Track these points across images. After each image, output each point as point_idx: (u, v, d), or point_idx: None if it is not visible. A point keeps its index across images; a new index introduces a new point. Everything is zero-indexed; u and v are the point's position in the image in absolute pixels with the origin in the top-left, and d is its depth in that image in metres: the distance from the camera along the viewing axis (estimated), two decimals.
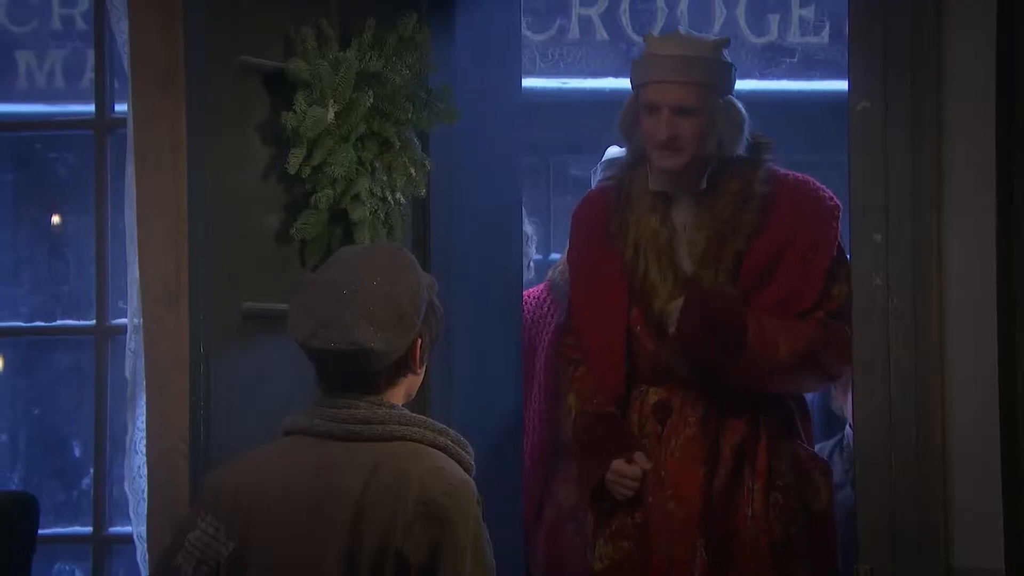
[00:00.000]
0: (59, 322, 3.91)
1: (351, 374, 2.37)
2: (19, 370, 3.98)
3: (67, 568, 3.91)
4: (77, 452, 3.94)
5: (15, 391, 3.98)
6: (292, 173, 3.01)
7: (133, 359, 3.51)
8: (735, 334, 3.26)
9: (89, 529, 3.73)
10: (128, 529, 3.56)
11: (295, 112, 2.96)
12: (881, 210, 3.10)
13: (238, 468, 2.45)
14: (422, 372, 2.47)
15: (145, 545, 3.45)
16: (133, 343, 3.50)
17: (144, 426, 3.46)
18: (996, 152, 2.98)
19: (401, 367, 2.40)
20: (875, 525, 3.09)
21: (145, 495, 3.46)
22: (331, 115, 2.97)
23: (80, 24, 3.98)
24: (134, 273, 3.48)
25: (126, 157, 3.52)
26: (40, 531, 3.42)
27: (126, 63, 3.50)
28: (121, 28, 3.52)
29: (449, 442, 2.38)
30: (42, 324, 3.91)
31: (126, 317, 3.55)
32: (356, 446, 2.33)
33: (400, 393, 2.43)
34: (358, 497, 2.28)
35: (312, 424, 2.38)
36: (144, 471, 3.46)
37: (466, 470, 2.39)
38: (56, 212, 3.99)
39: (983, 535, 3.00)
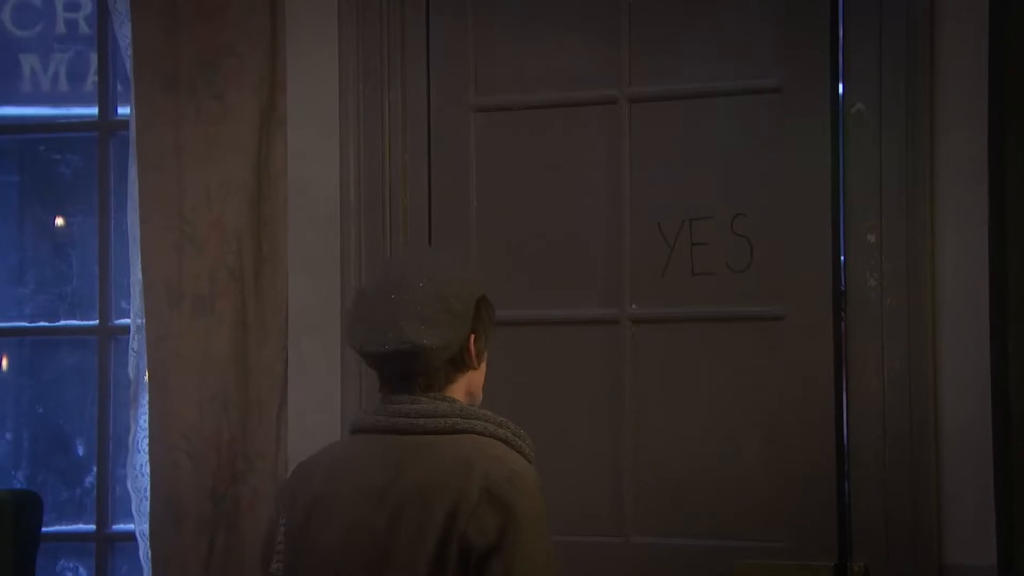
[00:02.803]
0: (63, 322, 3.93)
1: (410, 374, 2.42)
2: (23, 369, 4.00)
3: (70, 565, 3.93)
4: (80, 451, 3.96)
5: (19, 390, 4.00)
6: None
7: (136, 359, 3.54)
8: None
9: (92, 527, 3.75)
10: (131, 527, 3.59)
11: None
12: (875, 211, 3.13)
13: (308, 465, 2.51)
14: (482, 368, 2.51)
15: (147, 543, 3.48)
16: (136, 343, 3.53)
17: (146, 425, 3.49)
18: (988, 154, 3.01)
19: (458, 363, 2.44)
20: (869, 522, 3.12)
21: (147, 493, 3.49)
22: None
23: (84, 28, 4.00)
24: (137, 274, 3.51)
25: (129, 159, 3.55)
26: (44, 529, 3.44)
27: (129, 66, 3.54)
28: (124, 32, 3.55)
29: (509, 434, 2.43)
30: (46, 324, 3.93)
31: (129, 317, 3.58)
32: (419, 439, 2.39)
33: (461, 390, 2.47)
34: (423, 487, 2.33)
35: (377, 421, 2.43)
36: (147, 469, 3.50)
37: (524, 458, 2.44)
38: (60, 213, 4.01)
39: (975, 532, 3.03)
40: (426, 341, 2.37)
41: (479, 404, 2.49)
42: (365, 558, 2.34)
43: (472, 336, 2.45)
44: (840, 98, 3.17)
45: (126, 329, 3.60)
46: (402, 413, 2.40)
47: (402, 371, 2.41)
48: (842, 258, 3.18)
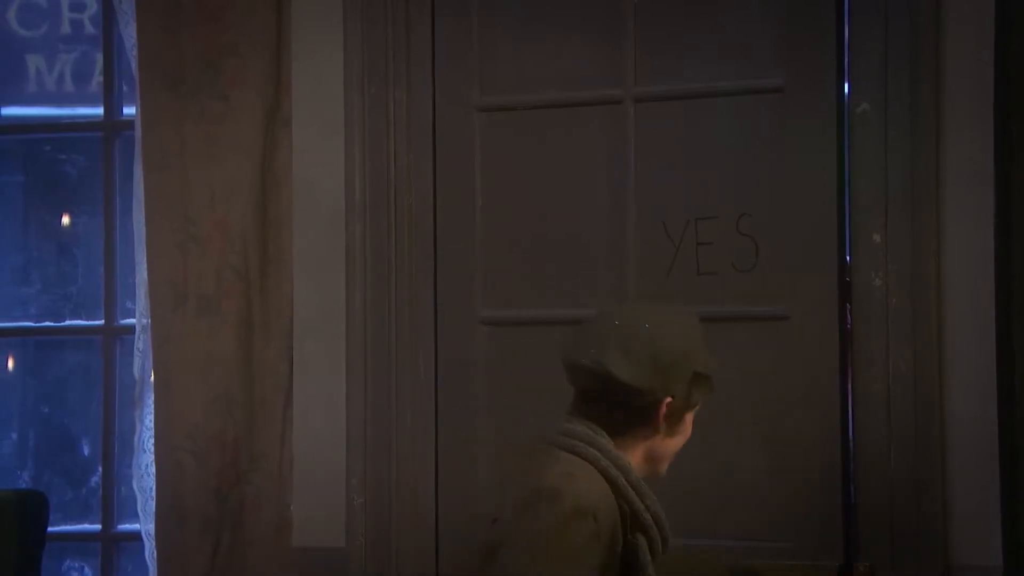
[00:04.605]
0: (68, 322, 3.93)
1: (591, 397, 2.39)
2: (28, 369, 4.01)
3: (76, 565, 3.94)
4: (86, 451, 3.96)
5: (24, 390, 4.01)
6: None
7: (141, 359, 3.54)
8: None
9: (98, 527, 3.76)
10: (136, 527, 3.59)
11: None
12: (880, 212, 3.13)
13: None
14: (667, 442, 2.44)
15: (153, 542, 3.49)
16: (141, 343, 3.54)
17: (152, 425, 3.50)
18: (994, 154, 3.01)
19: (642, 416, 2.39)
20: (875, 523, 3.11)
21: (153, 493, 3.49)
22: None
23: (89, 28, 4.00)
24: (142, 274, 3.52)
25: (134, 159, 3.55)
26: (49, 529, 3.45)
27: (134, 66, 3.54)
28: (129, 32, 3.55)
29: (623, 481, 2.37)
30: (51, 324, 3.94)
31: (134, 317, 3.59)
32: (547, 448, 2.39)
33: (639, 451, 2.42)
34: (510, 483, 2.38)
35: (547, 428, 2.43)
36: (152, 469, 3.50)
37: (634, 514, 2.37)
38: (65, 213, 4.02)
39: (981, 533, 3.03)
40: (616, 372, 2.34)
41: (660, 475, 2.46)
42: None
43: (669, 398, 2.39)
44: (846, 98, 3.16)
45: (131, 329, 3.60)
46: (556, 427, 2.41)
47: (585, 391, 2.40)
48: (847, 258, 3.18)
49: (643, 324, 2.40)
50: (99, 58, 3.82)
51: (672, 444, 2.46)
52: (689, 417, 2.46)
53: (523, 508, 2.31)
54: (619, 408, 2.39)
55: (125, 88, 3.74)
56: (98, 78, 3.89)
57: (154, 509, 3.48)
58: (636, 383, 2.36)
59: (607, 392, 2.37)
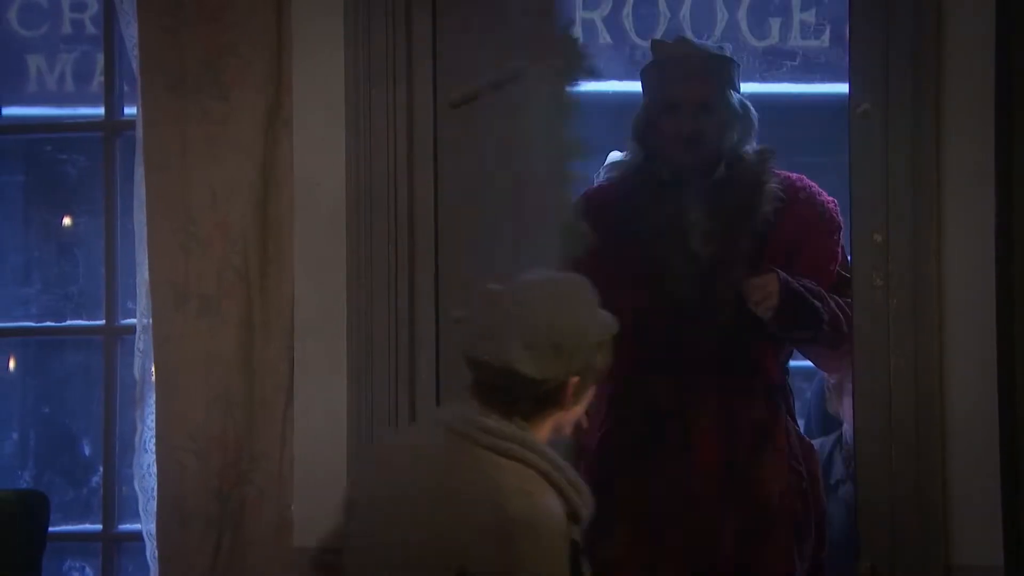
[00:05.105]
0: (69, 322, 3.94)
1: (499, 391, 2.38)
2: (29, 369, 4.02)
3: (77, 565, 3.95)
4: (87, 451, 3.97)
5: (25, 390, 4.02)
6: None
7: (142, 359, 3.54)
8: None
9: (99, 527, 3.76)
10: (138, 527, 3.59)
11: None
12: (881, 211, 3.13)
13: (380, 447, 2.58)
14: (574, 411, 2.46)
15: (155, 543, 3.49)
16: (142, 343, 3.54)
17: (153, 425, 3.50)
18: (995, 154, 3.01)
19: (550, 399, 2.40)
20: (875, 523, 3.12)
21: (154, 493, 3.50)
22: None
23: (90, 28, 4.01)
24: (143, 274, 3.52)
25: (135, 159, 3.56)
26: (50, 529, 3.45)
27: (135, 66, 3.54)
28: (130, 32, 3.55)
29: (564, 481, 2.37)
30: (52, 324, 3.95)
31: (135, 317, 3.59)
32: (473, 450, 2.36)
33: (547, 426, 2.43)
34: (451, 499, 2.32)
35: (452, 418, 2.41)
36: (153, 469, 3.50)
37: (573, 511, 2.38)
38: (66, 213, 4.03)
39: (982, 532, 3.03)
40: (524, 369, 2.35)
41: (565, 438, 2.46)
42: (389, 554, 2.35)
43: (575, 379, 2.40)
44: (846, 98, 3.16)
45: (132, 329, 3.60)
46: (471, 421, 2.38)
47: (492, 384, 2.39)
48: (848, 258, 3.18)
49: (539, 308, 2.38)
50: (100, 58, 3.82)
51: (577, 411, 2.48)
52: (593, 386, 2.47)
53: (497, 540, 2.28)
54: (527, 396, 2.39)
55: (126, 88, 3.74)
56: (99, 78, 3.91)
57: (155, 509, 3.48)
58: (543, 375, 2.36)
59: (514, 385, 2.37)
